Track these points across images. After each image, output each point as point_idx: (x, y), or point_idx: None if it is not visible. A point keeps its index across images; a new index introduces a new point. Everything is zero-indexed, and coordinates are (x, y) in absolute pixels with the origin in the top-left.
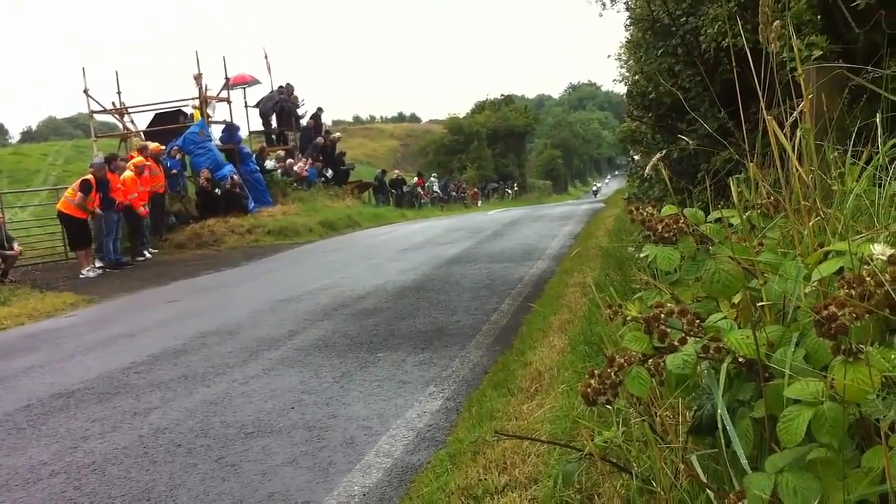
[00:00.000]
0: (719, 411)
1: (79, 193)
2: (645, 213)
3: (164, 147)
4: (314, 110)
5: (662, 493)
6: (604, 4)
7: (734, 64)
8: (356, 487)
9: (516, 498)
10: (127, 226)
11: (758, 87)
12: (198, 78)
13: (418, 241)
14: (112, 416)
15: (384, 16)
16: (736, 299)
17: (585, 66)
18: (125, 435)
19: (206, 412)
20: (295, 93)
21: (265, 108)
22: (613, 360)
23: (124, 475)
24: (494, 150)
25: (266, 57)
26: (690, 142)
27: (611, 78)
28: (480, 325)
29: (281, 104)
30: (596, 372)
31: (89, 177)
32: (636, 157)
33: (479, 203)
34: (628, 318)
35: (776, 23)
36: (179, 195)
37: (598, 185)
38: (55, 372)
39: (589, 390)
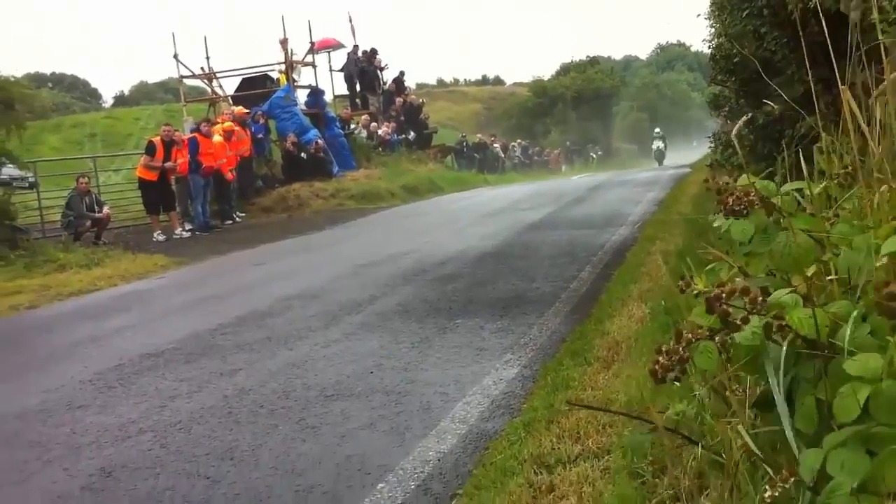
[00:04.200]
0: (775, 389)
1: (144, 156)
2: (721, 183)
3: (249, 111)
4: (396, 73)
5: (731, 466)
6: None
7: (821, 26)
8: (431, 452)
9: (588, 468)
10: (215, 190)
11: (831, 54)
12: (283, 42)
13: (500, 207)
14: (199, 376)
15: None
16: (809, 272)
17: (674, 25)
18: (211, 395)
19: (289, 374)
20: (378, 56)
21: (348, 71)
22: (681, 336)
23: (209, 434)
24: (579, 113)
25: (350, 20)
26: (775, 107)
27: (700, 38)
28: (559, 292)
29: (362, 68)
30: (664, 349)
31: (154, 138)
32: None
33: (563, 168)
34: (696, 292)
35: None
36: (266, 159)
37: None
38: (146, 332)
39: (657, 367)
